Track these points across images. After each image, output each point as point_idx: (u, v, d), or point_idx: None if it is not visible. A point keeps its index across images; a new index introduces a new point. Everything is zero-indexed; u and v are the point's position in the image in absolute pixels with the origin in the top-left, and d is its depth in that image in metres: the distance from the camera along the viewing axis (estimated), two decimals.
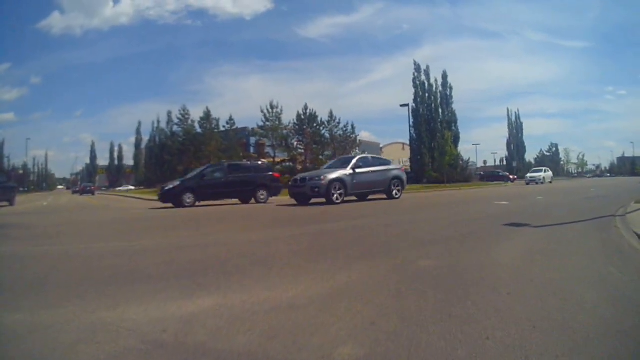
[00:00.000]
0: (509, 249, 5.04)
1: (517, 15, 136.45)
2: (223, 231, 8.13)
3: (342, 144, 47.45)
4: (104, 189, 79.52)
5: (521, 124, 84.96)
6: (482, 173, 61.35)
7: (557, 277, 3.67)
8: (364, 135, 72.11)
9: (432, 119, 51.41)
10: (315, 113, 46.55)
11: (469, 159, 62.31)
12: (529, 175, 40.56)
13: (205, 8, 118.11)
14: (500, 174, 54.63)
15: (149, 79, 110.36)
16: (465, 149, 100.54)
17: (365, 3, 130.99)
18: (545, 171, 41.12)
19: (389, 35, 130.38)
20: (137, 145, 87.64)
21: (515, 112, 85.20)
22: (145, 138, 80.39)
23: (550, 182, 37.94)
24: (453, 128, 51.30)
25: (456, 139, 50.27)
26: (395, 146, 74.47)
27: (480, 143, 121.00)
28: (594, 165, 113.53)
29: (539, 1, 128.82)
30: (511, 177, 52.00)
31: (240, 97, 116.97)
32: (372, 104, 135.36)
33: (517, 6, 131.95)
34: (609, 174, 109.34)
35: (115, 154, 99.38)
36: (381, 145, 74.62)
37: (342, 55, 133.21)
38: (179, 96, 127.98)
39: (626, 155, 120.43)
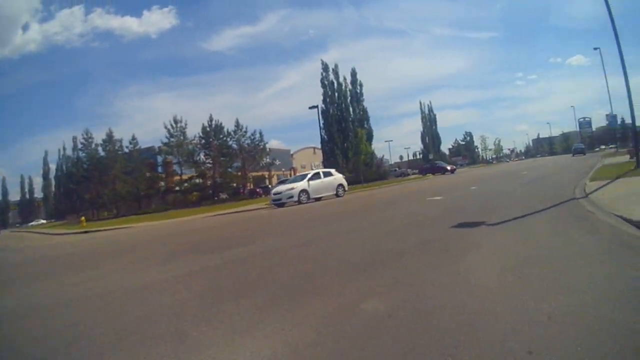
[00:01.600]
0: (482, 263, 3.79)
1: (422, 12, 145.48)
2: None
3: (251, 153, 45.84)
4: (17, 225, 75.65)
5: (434, 115, 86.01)
6: (409, 170, 59.27)
7: (581, 302, 2.48)
8: (274, 143, 71.93)
9: (343, 119, 50.78)
10: (221, 124, 44.44)
11: (383, 156, 63.07)
12: (274, 191, 22.06)
13: (111, 29, 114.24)
14: (438, 164, 50.86)
15: (59, 106, 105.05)
16: (378, 147, 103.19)
17: (270, 12, 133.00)
18: (316, 177, 21.75)
19: (295, 42, 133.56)
20: (45, 176, 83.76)
21: (428, 105, 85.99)
22: (54, 167, 77.76)
23: (339, 195, 21.45)
24: (365, 126, 50.65)
25: (369, 137, 49.26)
26: (306, 151, 74.20)
27: (393, 140, 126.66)
28: (509, 149, 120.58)
29: None
30: (449, 167, 47.81)
31: (151, 117, 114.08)
32: (282, 111, 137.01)
33: (421, 3, 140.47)
34: (523, 157, 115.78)
35: (26, 188, 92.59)
36: (292, 152, 74.57)
37: (249, 65, 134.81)
38: (89, 121, 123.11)
39: (541, 136, 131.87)
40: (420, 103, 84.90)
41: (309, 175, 21.92)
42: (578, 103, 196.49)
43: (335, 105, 51.10)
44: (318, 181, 21.44)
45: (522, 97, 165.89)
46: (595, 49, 40.06)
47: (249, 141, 46.08)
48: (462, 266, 3.72)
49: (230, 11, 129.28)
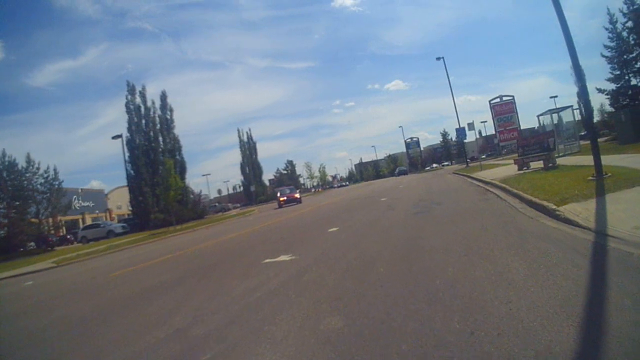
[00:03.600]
0: None
1: (239, 44, 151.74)
2: None
3: (46, 195, 39.43)
4: None
5: (254, 144, 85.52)
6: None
7: None
8: (94, 184, 69.52)
9: (152, 149, 45.20)
10: (14, 160, 37.52)
11: (201, 191, 60.12)
12: None
13: None
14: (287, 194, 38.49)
15: None
16: (196, 183, 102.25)
17: (90, 45, 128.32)
18: None
19: (114, 77, 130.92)
20: None
21: (247, 132, 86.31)
22: None
23: None
24: (177, 156, 46.07)
25: (182, 170, 44.94)
26: (121, 190, 67.46)
27: (211, 173, 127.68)
28: (331, 176, 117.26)
29: (260, 29, 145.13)
30: (297, 195, 37.59)
31: None
32: (102, 149, 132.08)
33: (238, 36, 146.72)
34: (346, 183, 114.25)
35: None
36: (106, 192, 70.08)
37: (69, 102, 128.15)
38: None
39: (364, 160, 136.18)
40: (239, 131, 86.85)
41: None
42: (403, 125, 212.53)
43: (143, 133, 46.04)
44: None
45: (341, 124, 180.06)
46: (438, 58, 42.03)
47: (42, 180, 39.85)
48: None
49: (51, 44, 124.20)
